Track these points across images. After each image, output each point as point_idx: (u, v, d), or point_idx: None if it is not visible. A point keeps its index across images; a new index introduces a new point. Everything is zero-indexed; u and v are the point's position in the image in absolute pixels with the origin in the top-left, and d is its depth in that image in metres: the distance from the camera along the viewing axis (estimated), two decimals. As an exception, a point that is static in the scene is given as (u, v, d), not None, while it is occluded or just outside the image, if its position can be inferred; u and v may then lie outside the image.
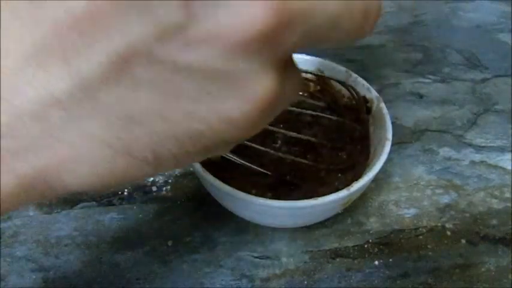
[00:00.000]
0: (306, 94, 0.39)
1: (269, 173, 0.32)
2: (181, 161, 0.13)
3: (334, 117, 0.36)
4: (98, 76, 0.11)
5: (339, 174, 0.33)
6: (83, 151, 0.12)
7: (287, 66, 0.13)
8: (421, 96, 0.45)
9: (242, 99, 0.12)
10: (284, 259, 0.32)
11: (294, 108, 0.36)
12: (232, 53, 0.11)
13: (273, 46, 0.11)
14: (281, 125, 0.36)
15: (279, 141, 0.35)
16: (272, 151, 0.32)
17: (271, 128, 0.34)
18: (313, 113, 0.37)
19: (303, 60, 0.38)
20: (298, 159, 0.33)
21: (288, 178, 0.32)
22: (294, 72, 0.14)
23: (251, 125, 0.13)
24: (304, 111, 0.37)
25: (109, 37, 0.10)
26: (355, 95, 0.35)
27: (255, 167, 0.31)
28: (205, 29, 0.10)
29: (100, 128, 0.11)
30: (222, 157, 0.34)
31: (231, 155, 0.32)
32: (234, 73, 0.11)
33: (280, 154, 0.33)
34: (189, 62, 0.11)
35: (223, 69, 0.11)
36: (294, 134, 0.34)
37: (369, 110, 0.35)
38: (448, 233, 0.34)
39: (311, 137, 0.35)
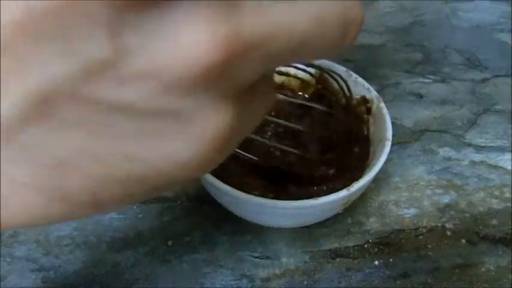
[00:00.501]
0: (306, 95, 0.39)
1: (261, 163, 0.32)
2: (129, 202, 0.13)
3: (322, 107, 0.36)
4: (16, 117, 0.09)
5: (331, 171, 0.33)
6: (12, 198, 0.11)
7: (248, 93, 0.12)
8: (421, 96, 0.45)
9: (191, 139, 0.11)
10: (284, 259, 0.32)
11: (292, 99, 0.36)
12: (174, 91, 0.10)
13: (224, 80, 0.10)
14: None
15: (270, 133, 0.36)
16: (267, 141, 0.32)
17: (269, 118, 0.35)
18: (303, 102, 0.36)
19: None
20: (287, 148, 0.33)
21: (282, 169, 0.33)
22: (257, 96, 0.13)
23: (204, 164, 0.12)
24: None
25: (24, 75, 0.09)
26: (345, 88, 0.35)
27: (251, 156, 0.31)
28: (139, 65, 0.09)
29: (27, 174, 0.10)
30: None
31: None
32: (178, 112, 0.10)
33: (276, 145, 0.32)
34: (123, 101, 0.10)
35: (165, 108, 0.10)
36: (283, 122, 0.34)
37: (369, 110, 0.35)
38: (448, 233, 0.34)
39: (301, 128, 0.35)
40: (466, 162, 0.39)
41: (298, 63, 0.36)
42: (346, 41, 0.12)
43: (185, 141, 0.11)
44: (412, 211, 0.35)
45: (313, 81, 0.39)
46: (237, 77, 0.11)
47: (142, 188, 0.12)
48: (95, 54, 0.09)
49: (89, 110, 0.10)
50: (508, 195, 0.36)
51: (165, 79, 0.09)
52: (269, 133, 0.36)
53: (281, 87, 0.40)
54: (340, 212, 0.34)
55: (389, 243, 0.33)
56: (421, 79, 0.47)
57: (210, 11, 0.09)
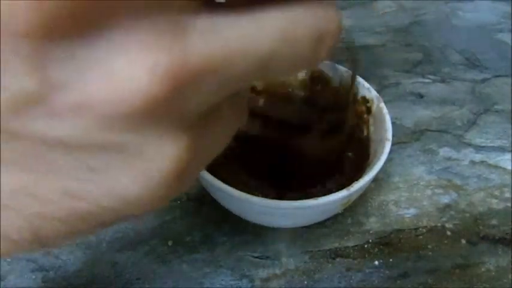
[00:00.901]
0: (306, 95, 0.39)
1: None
2: (79, 236, 0.12)
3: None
4: None
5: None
6: None
7: (208, 119, 0.11)
8: (421, 96, 0.45)
9: (138, 175, 0.10)
10: (284, 259, 0.32)
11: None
12: (112, 125, 0.09)
13: (173, 111, 0.09)
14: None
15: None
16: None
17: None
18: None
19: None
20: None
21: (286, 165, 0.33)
22: (220, 121, 0.12)
23: (156, 199, 0.11)
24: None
25: None
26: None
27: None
28: (71, 98, 0.08)
29: None
30: (222, 157, 0.34)
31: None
32: (122, 146, 0.10)
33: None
34: (57, 135, 0.09)
35: (105, 142, 0.09)
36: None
37: (369, 110, 0.35)
38: (448, 233, 0.34)
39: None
40: (466, 162, 0.39)
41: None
42: (320, 55, 0.11)
43: (132, 177, 0.10)
44: (412, 211, 0.35)
45: (313, 81, 0.39)
46: (189, 107, 0.10)
47: (88, 225, 0.11)
48: (20, 88, 0.08)
49: (24, 145, 0.09)
50: (508, 195, 0.36)
51: (99, 113, 0.09)
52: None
53: (281, 86, 0.40)
54: (340, 212, 0.34)
55: (389, 243, 0.33)
56: (421, 79, 0.47)
57: (151, 37, 0.08)
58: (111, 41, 0.08)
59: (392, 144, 0.31)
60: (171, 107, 0.09)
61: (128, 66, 0.08)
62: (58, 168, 0.10)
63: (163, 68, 0.08)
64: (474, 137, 0.41)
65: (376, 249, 0.33)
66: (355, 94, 0.36)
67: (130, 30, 0.08)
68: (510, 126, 0.42)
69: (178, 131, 0.10)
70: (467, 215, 0.35)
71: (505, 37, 0.53)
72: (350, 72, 0.37)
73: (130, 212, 0.11)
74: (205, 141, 0.12)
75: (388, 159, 0.30)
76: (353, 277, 0.31)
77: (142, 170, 0.10)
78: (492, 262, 0.32)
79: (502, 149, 0.40)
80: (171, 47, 0.09)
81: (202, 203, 0.35)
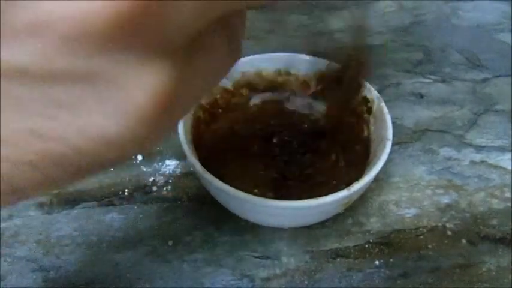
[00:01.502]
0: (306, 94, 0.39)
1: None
2: (55, 186, 0.11)
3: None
4: None
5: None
6: None
7: (197, 47, 0.10)
8: (421, 96, 0.45)
9: (117, 110, 0.09)
10: (284, 259, 0.32)
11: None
12: (76, 48, 0.08)
13: (150, 33, 0.08)
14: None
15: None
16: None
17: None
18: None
19: (303, 60, 0.38)
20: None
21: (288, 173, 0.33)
22: (211, 51, 0.11)
23: (139, 140, 0.10)
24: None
25: None
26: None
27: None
28: (26, 16, 0.07)
29: None
30: (222, 157, 0.34)
31: None
32: (93, 76, 0.08)
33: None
34: (18, 64, 0.08)
35: (73, 71, 0.08)
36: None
37: (369, 110, 0.35)
38: (449, 233, 0.34)
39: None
40: (466, 162, 0.39)
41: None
42: None
43: (107, 112, 0.09)
44: (413, 211, 0.35)
45: (313, 81, 0.39)
46: (170, 29, 0.08)
47: (64, 171, 0.10)
48: None
49: None
50: (508, 195, 0.36)
51: (59, 33, 0.07)
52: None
53: (281, 86, 0.40)
54: (340, 212, 0.34)
55: (390, 243, 0.33)
56: (421, 79, 0.47)
57: None
58: None
59: (393, 144, 0.31)
60: (148, 28, 0.08)
61: None
62: (22, 105, 0.08)
63: None
64: (474, 137, 0.41)
65: (377, 249, 0.33)
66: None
67: None
68: (510, 126, 0.42)
69: (159, 57, 0.09)
70: (468, 215, 0.35)
71: (506, 37, 0.53)
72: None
73: (109, 156, 0.10)
74: (193, 73, 0.10)
75: (389, 159, 0.30)
76: (353, 277, 0.31)
77: (119, 104, 0.09)
78: (492, 262, 0.32)
79: (502, 149, 0.40)
80: None
81: (202, 203, 0.35)
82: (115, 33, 0.08)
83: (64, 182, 0.11)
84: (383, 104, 0.33)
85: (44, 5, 0.07)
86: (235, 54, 0.12)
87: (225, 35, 0.11)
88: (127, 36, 0.08)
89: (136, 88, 0.09)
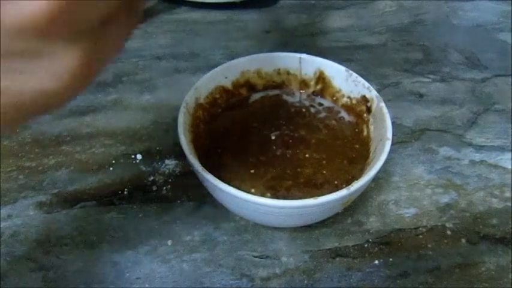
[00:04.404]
0: (306, 94, 0.39)
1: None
2: (15, 123, 0.16)
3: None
4: None
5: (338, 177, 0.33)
6: None
7: (105, 25, 0.15)
8: (421, 96, 0.45)
9: (53, 73, 0.14)
10: (284, 258, 0.32)
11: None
12: (21, 35, 0.13)
13: (66, 24, 0.13)
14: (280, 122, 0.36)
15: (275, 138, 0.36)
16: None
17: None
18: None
19: (302, 59, 0.38)
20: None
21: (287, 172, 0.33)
22: (114, 26, 0.15)
23: (70, 90, 0.15)
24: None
25: None
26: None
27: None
28: None
29: None
30: (222, 156, 0.34)
31: None
32: (37, 53, 0.13)
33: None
34: None
35: (23, 49, 0.13)
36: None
37: (369, 110, 0.35)
38: (448, 232, 0.34)
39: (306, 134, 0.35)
40: (466, 162, 0.39)
41: None
42: None
43: (49, 75, 0.14)
44: (412, 210, 0.35)
45: (312, 80, 0.39)
46: (85, 17, 0.13)
47: (21, 113, 0.15)
48: None
49: None
50: (508, 194, 0.36)
51: (8, 26, 0.12)
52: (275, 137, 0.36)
53: (280, 86, 0.40)
54: (340, 211, 0.34)
55: (389, 243, 0.33)
56: (421, 78, 0.47)
57: None
58: None
59: (393, 144, 0.31)
60: (68, 21, 0.13)
61: None
62: None
63: None
64: (474, 136, 0.41)
65: (376, 249, 0.33)
66: None
67: None
68: (510, 125, 0.42)
69: (79, 36, 0.14)
70: (467, 214, 0.35)
71: (505, 36, 0.53)
72: (350, 71, 0.37)
73: (51, 102, 0.15)
74: (104, 42, 0.15)
75: (388, 159, 0.30)
76: (353, 276, 0.31)
77: (55, 70, 0.14)
78: (492, 261, 0.32)
79: (502, 149, 0.40)
80: None
81: (202, 203, 0.35)
82: (45, 26, 0.12)
83: (20, 121, 0.16)
84: (383, 104, 0.33)
85: (1, 11, 0.12)
86: (138, 15, 0.17)
87: (128, 5, 0.16)
88: (55, 27, 0.13)
89: (65, 59, 0.14)
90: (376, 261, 0.32)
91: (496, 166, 0.39)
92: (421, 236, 0.34)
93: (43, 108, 0.16)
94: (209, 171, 0.28)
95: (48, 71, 0.14)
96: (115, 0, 0.14)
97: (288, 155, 0.34)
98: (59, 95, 0.15)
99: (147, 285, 0.31)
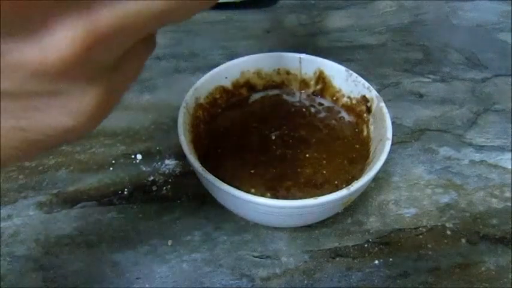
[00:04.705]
0: (306, 94, 0.39)
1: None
2: (32, 156, 0.17)
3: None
4: None
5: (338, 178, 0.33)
6: None
7: (119, 64, 0.15)
8: (421, 96, 0.45)
9: (72, 112, 0.14)
10: (284, 258, 0.32)
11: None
12: (42, 77, 0.13)
13: (88, 66, 0.13)
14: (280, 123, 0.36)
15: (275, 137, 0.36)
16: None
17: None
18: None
19: (302, 59, 0.38)
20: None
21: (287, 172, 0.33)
22: (128, 63, 0.15)
23: (87, 128, 0.15)
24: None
25: None
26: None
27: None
28: (13, 59, 0.12)
29: None
30: (222, 156, 0.34)
31: None
32: (56, 92, 0.13)
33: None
34: (5, 88, 0.13)
35: (42, 89, 0.13)
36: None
37: (369, 110, 0.35)
38: (448, 232, 0.34)
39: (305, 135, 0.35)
40: (466, 162, 0.39)
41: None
42: (209, 2, 0.14)
43: (67, 114, 0.14)
44: (412, 210, 0.35)
45: (312, 80, 0.39)
46: (104, 59, 0.13)
47: (37, 149, 0.16)
48: None
49: None
50: (508, 194, 0.36)
51: (31, 69, 0.12)
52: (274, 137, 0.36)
53: (280, 86, 0.40)
54: (340, 211, 0.34)
55: (389, 243, 0.33)
56: (421, 78, 0.47)
57: (67, 19, 0.12)
58: (43, 25, 0.12)
59: (393, 144, 0.31)
60: (88, 62, 0.13)
61: (53, 40, 0.12)
62: (9, 112, 0.14)
63: (76, 38, 0.12)
64: (474, 136, 0.41)
65: (376, 249, 0.33)
66: None
67: (55, 17, 0.12)
68: (510, 125, 0.42)
69: (95, 78, 0.14)
70: (467, 214, 0.35)
71: (505, 36, 0.53)
72: (350, 71, 0.37)
73: (67, 138, 0.15)
74: (120, 77, 0.15)
75: (388, 159, 0.30)
76: (353, 276, 0.31)
77: (73, 109, 0.14)
78: (492, 261, 0.32)
79: (502, 149, 0.40)
80: (82, 22, 0.12)
81: (202, 203, 0.35)
82: (66, 69, 0.12)
83: (34, 154, 0.16)
84: (382, 104, 0.33)
85: (25, 54, 0.12)
86: (151, 47, 0.17)
87: (142, 40, 0.15)
88: (76, 69, 0.13)
89: (83, 98, 0.14)
90: (376, 261, 0.32)
91: (496, 166, 0.39)
92: (421, 236, 0.34)
93: (58, 143, 0.16)
94: (209, 171, 0.28)
95: (65, 109, 0.14)
96: (135, 37, 0.14)
97: (288, 155, 0.34)
98: (75, 132, 0.15)
99: (147, 285, 0.31)
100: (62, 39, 0.12)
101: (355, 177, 0.32)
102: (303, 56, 0.38)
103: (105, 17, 0.12)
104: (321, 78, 0.38)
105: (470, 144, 0.40)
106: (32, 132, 0.14)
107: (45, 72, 0.12)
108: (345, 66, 0.37)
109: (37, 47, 0.12)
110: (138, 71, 0.17)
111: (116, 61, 0.14)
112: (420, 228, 0.34)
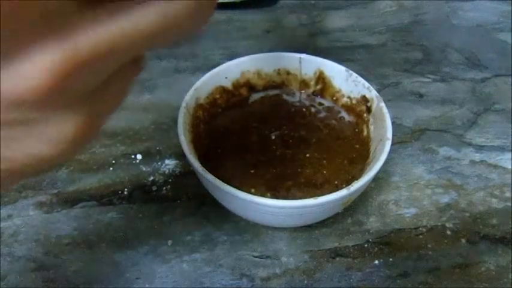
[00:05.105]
0: (306, 94, 0.39)
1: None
2: (12, 184, 0.16)
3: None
4: None
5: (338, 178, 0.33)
6: None
7: (103, 88, 0.14)
8: (421, 96, 0.45)
9: (50, 140, 0.14)
10: (284, 258, 0.32)
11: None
12: (19, 107, 0.12)
13: (68, 93, 0.12)
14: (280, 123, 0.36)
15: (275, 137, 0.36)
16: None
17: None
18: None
19: (302, 59, 0.38)
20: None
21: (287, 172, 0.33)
22: (113, 86, 0.15)
23: (66, 155, 0.15)
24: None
25: None
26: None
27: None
28: None
29: None
30: (222, 156, 0.34)
31: None
32: (33, 121, 0.13)
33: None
34: None
35: (20, 119, 0.13)
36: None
37: (369, 110, 0.35)
38: (448, 232, 0.34)
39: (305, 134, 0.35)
40: (466, 162, 0.39)
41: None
42: (199, 25, 0.14)
43: (47, 142, 0.14)
44: (412, 210, 0.35)
45: (312, 80, 0.39)
46: (83, 86, 0.13)
47: (20, 176, 0.15)
48: None
49: None
50: (508, 194, 0.36)
51: (8, 99, 0.12)
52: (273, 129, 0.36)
53: (280, 86, 0.40)
54: (340, 211, 0.34)
55: (389, 243, 0.33)
56: (421, 78, 0.47)
57: (47, 47, 0.11)
58: (20, 53, 0.11)
59: (393, 144, 0.31)
60: (67, 89, 0.12)
61: (30, 69, 0.11)
62: None
63: (55, 66, 0.11)
64: (474, 136, 0.41)
65: (376, 249, 0.33)
66: None
67: (33, 43, 0.11)
68: (510, 125, 0.42)
69: (75, 105, 0.13)
70: (467, 214, 0.35)
71: (505, 36, 0.53)
72: (350, 71, 0.37)
73: (47, 165, 0.15)
74: (104, 101, 0.15)
75: (388, 159, 0.30)
76: (353, 276, 0.31)
77: (52, 137, 0.14)
78: (492, 261, 0.32)
79: (502, 149, 0.40)
80: (61, 48, 0.11)
81: (202, 203, 0.35)
82: (44, 98, 0.12)
83: (13, 183, 0.16)
84: (382, 104, 0.33)
85: (1, 85, 0.11)
86: (139, 68, 0.16)
87: (129, 61, 0.14)
88: (55, 97, 0.12)
89: (61, 127, 0.13)
90: (376, 261, 0.32)
91: (496, 166, 0.39)
92: (421, 236, 0.34)
93: (38, 171, 0.16)
94: (209, 171, 0.28)
95: (44, 137, 0.14)
96: (118, 62, 0.13)
97: (288, 155, 0.34)
98: (55, 160, 0.15)
99: (147, 285, 0.31)
100: (39, 67, 0.11)
101: (355, 177, 0.32)
102: (303, 56, 0.38)
103: (85, 42, 0.12)
104: (321, 78, 0.38)
105: (470, 144, 0.40)
106: (13, 162, 0.14)
107: (23, 102, 0.12)
108: (345, 66, 0.37)
109: (14, 76, 0.12)
110: (124, 93, 0.16)
111: (99, 85, 0.14)
112: (420, 228, 0.34)
